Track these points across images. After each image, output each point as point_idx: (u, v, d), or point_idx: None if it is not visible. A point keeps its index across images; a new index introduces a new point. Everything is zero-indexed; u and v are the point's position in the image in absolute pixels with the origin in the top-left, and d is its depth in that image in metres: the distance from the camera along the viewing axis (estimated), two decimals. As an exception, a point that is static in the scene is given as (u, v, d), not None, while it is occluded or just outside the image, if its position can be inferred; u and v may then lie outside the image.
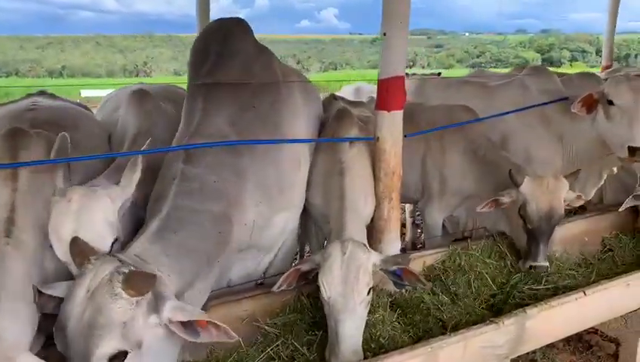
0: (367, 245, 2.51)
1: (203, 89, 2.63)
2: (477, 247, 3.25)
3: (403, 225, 5.40)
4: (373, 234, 3.06)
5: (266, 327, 2.58)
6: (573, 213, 3.95)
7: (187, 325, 1.83)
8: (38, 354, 1.92)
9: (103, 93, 5.10)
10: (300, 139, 2.90)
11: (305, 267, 2.45)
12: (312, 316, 2.63)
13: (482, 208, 3.06)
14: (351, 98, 4.86)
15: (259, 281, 2.94)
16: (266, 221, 2.64)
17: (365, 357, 2.25)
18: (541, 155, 3.95)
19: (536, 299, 2.80)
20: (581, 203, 3.17)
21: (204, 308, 2.38)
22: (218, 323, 1.83)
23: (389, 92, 2.93)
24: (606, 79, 3.92)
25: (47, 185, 2.32)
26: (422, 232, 5.05)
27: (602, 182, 3.97)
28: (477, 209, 3.08)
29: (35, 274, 2.14)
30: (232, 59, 2.74)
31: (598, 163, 3.84)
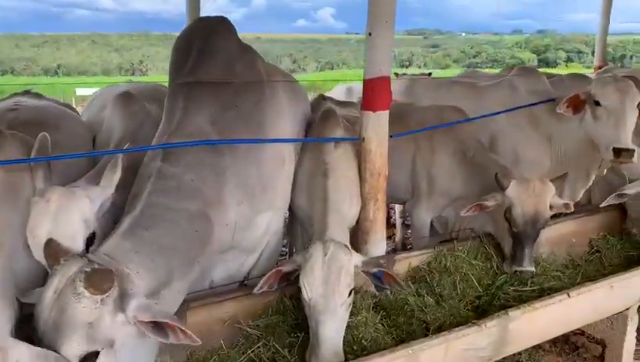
0: (350, 246, 2.49)
1: (185, 87, 2.61)
2: (463, 248, 3.22)
3: (393, 226, 5.40)
4: (359, 235, 3.04)
5: (248, 329, 2.55)
6: (561, 213, 3.94)
7: (156, 325, 1.81)
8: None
9: (98, 91, 5.03)
10: (282, 138, 2.87)
11: (286, 268, 2.43)
12: (294, 318, 2.61)
13: (466, 212, 3.05)
14: (342, 98, 4.86)
15: (244, 282, 2.92)
16: (248, 221, 2.62)
17: (346, 359, 2.24)
18: (530, 156, 3.95)
19: (522, 300, 2.78)
20: (570, 210, 3.15)
21: (185, 309, 2.36)
22: (183, 328, 1.81)
23: (374, 92, 2.92)
24: (597, 80, 3.91)
25: (26, 185, 2.29)
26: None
27: (590, 183, 3.97)
28: (461, 213, 3.07)
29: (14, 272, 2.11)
30: (215, 57, 2.72)
31: (587, 163, 3.84)
